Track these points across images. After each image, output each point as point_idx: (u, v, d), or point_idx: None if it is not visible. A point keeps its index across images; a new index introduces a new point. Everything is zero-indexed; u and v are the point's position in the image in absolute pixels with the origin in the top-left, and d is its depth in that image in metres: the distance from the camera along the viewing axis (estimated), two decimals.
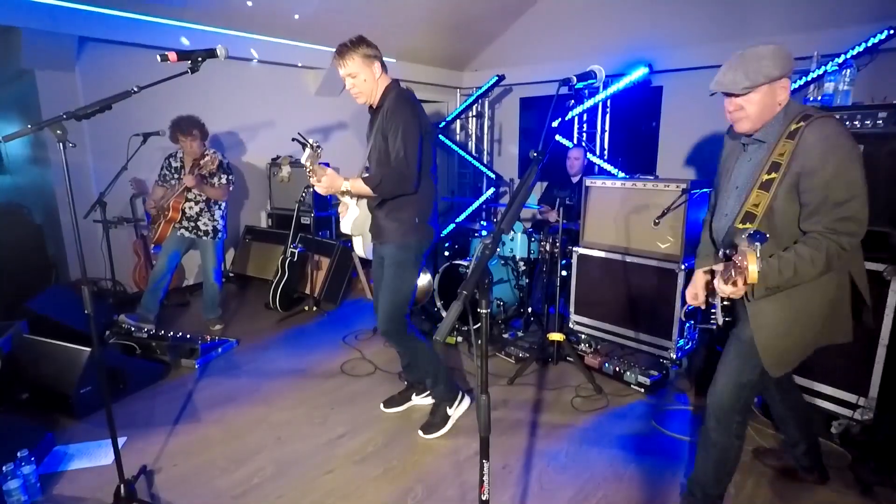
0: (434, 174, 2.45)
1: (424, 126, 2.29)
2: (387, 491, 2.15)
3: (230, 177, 3.75)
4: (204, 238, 3.76)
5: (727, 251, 1.63)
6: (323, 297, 4.49)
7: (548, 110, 1.59)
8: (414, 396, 2.81)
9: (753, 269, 1.22)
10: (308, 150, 2.20)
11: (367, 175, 2.28)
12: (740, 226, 1.55)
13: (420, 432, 2.53)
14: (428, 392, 2.81)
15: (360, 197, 2.39)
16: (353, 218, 2.46)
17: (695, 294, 1.86)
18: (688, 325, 3.13)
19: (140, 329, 3.52)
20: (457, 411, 2.62)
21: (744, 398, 1.69)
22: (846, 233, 1.46)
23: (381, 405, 2.80)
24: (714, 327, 1.86)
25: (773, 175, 1.50)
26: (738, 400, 1.69)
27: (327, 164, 4.23)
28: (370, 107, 2.38)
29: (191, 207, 3.70)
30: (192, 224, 3.72)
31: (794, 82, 3.98)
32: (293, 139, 2.49)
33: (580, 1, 5.66)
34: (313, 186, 2.28)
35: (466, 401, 2.67)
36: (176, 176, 3.70)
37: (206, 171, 3.58)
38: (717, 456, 1.75)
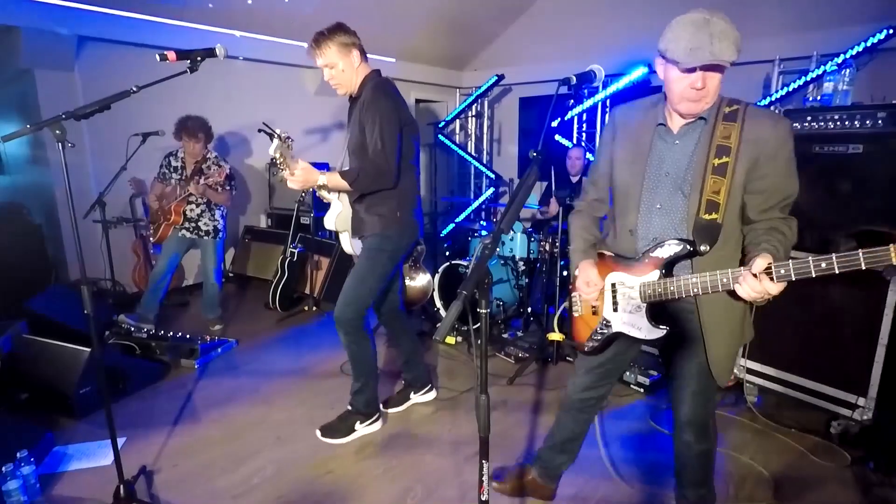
0: (416, 167, 2.38)
1: (404, 118, 2.22)
2: (387, 491, 2.15)
3: (233, 182, 3.80)
4: (204, 238, 3.76)
5: (690, 248, 1.43)
6: (323, 296, 4.48)
7: (547, 110, 1.58)
8: (412, 395, 2.80)
9: None
10: (276, 142, 2.08)
11: (344, 169, 2.22)
12: (707, 217, 1.40)
13: (318, 432, 2.45)
14: (427, 389, 2.80)
15: (338, 192, 2.32)
16: (337, 213, 2.40)
17: (589, 281, 1.62)
18: None
19: (140, 329, 3.52)
20: (365, 429, 2.50)
21: (714, 404, 1.67)
22: (793, 219, 1.43)
23: (381, 405, 2.77)
24: (595, 345, 1.65)
25: (725, 159, 1.39)
26: (710, 409, 1.65)
27: (326, 166, 4.20)
28: (350, 96, 2.32)
29: (192, 210, 3.71)
30: (193, 224, 3.72)
31: (794, 82, 3.98)
32: (259, 129, 2.29)
33: (580, 1, 5.66)
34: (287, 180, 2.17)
35: (378, 424, 2.56)
36: (175, 175, 3.70)
37: (211, 182, 3.60)
38: (702, 461, 1.72)
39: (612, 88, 5.10)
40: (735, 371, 2.81)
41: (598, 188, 1.71)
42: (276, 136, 2.08)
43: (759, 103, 4.13)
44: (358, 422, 2.48)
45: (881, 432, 2.29)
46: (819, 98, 2.69)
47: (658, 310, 1.53)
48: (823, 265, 1.17)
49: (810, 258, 1.18)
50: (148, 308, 3.68)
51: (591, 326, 1.67)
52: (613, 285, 1.59)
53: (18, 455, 2.05)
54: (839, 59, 3.67)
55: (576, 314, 1.71)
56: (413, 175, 2.37)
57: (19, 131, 1.68)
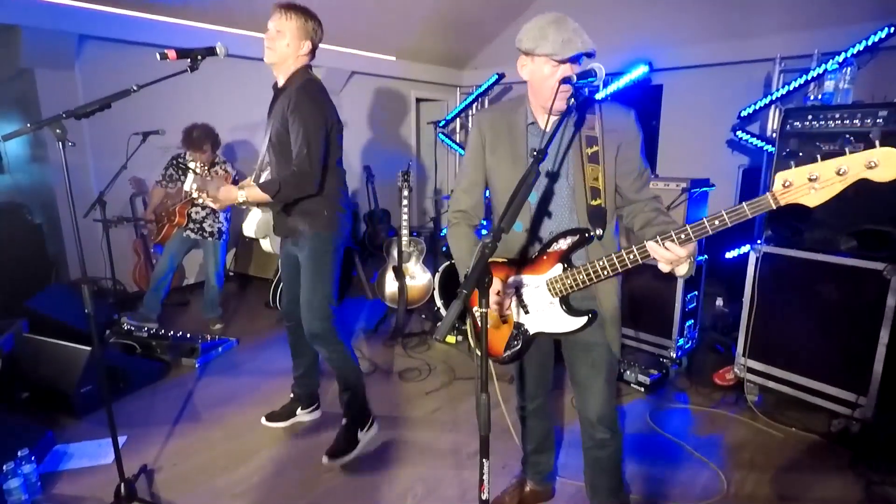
0: (340, 166, 2.32)
1: (331, 119, 2.18)
2: (387, 490, 2.15)
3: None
4: (209, 239, 3.76)
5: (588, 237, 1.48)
6: None
7: None
8: (299, 411, 2.65)
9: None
10: (190, 175, 2.05)
11: (263, 181, 2.13)
12: (594, 202, 1.47)
13: (325, 457, 2.29)
14: (313, 407, 2.67)
15: (259, 204, 2.20)
16: (256, 220, 2.28)
17: (498, 291, 1.52)
18: (688, 324, 3.13)
19: (141, 328, 3.52)
20: (366, 435, 2.44)
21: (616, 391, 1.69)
22: (659, 197, 1.58)
23: (263, 418, 2.61)
24: (515, 352, 1.59)
25: (596, 148, 1.46)
26: (615, 397, 1.67)
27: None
28: (274, 85, 2.27)
29: (197, 212, 3.71)
30: (198, 226, 3.73)
31: (795, 80, 3.98)
32: (184, 167, 2.10)
33: (580, 0, 5.65)
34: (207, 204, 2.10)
35: (375, 427, 2.51)
36: (183, 178, 3.69)
37: None
38: (616, 460, 1.73)
39: (612, 87, 5.10)
40: (736, 370, 2.81)
41: (471, 196, 1.67)
42: (191, 171, 2.06)
43: (759, 102, 4.13)
44: (359, 430, 2.43)
45: (881, 431, 2.29)
46: (820, 97, 2.69)
47: (570, 300, 1.53)
48: (717, 223, 1.23)
49: (705, 219, 1.25)
50: (150, 307, 3.69)
51: (504, 336, 1.62)
52: (518, 290, 1.57)
53: (19, 453, 2.06)
54: (840, 58, 3.65)
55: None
56: (338, 175, 2.29)
57: (20, 130, 1.68)
